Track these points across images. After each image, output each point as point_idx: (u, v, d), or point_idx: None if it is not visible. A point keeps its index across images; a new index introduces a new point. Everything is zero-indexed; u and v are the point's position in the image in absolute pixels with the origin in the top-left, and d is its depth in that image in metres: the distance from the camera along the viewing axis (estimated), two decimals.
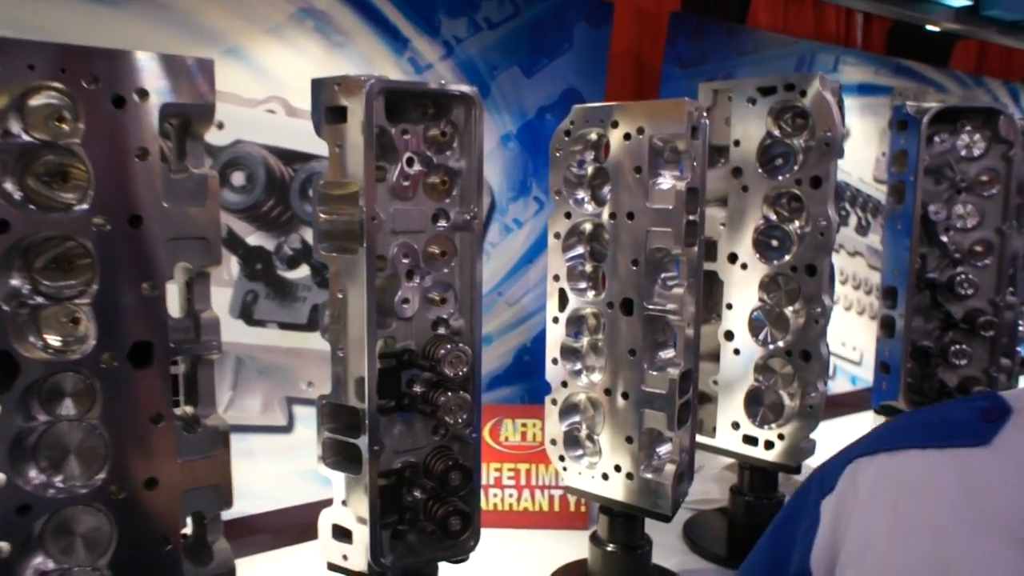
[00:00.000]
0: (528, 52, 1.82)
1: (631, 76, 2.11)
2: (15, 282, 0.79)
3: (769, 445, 1.51)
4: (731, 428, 1.56)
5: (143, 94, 0.83)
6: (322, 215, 1.01)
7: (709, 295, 1.60)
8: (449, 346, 1.02)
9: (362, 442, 1.00)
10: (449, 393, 1.02)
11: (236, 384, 1.50)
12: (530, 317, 1.92)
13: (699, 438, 1.62)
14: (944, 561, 0.57)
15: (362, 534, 1.03)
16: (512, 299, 1.88)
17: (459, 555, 1.09)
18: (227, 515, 1.50)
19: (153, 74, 0.83)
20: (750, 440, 1.54)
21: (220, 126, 1.46)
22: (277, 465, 1.54)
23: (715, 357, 1.58)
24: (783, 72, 2.28)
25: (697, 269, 1.26)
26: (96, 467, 0.83)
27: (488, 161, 1.80)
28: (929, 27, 2.57)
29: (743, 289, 1.53)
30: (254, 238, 1.51)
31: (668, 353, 1.28)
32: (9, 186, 0.79)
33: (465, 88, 1.04)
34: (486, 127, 1.81)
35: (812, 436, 1.49)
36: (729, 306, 1.55)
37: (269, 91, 1.50)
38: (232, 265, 1.50)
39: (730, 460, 1.75)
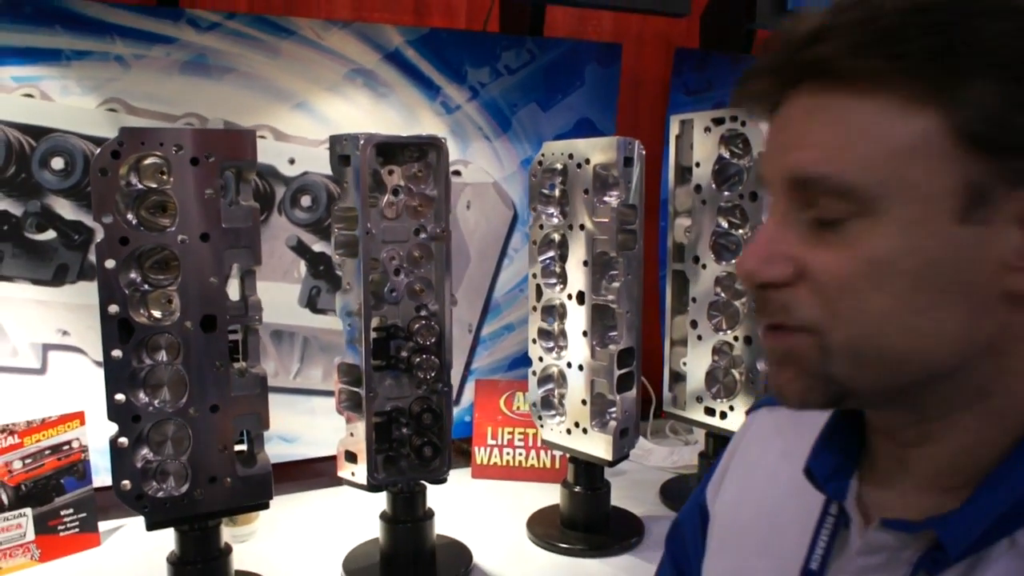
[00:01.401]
0: (544, 91, 2.19)
1: (640, 105, 2.44)
2: (133, 275, 1.26)
3: (723, 415, 1.81)
4: (696, 402, 1.87)
5: (209, 155, 1.28)
6: (336, 230, 1.44)
7: (682, 291, 1.91)
8: (423, 322, 1.43)
9: (362, 390, 1.42)
10: (423, 356, 1.42)
11: (303, 358, 1.97)
12: None
13: (674, 410, 1.95)
14: (764, 497, 0.70)
15: (363, 457, 1.44)
16: None
17: (436, 478, 1.49)
18: (295, 457, 1.97)
19: (215, 142, 1.28)
20: (710, 411, 1.84)
21: (292, 161, 1.93)
22: (333, 421, 1.98)
23: (684, 342, 1.90)
24: None
25: (636, 268, 1.59)
26: (180, 395, 1.29)
27: (510, 181, 2.19)
28: None
29: (703, 285, 1.83)
30: (318, 246, 1.97)
31: (613, 334, 1.62)
32: (130, 216, 1.26)
33: (435, 137, 1.44)
34: (507, 152, 2.21)
35: None
36: (693, 299, 1.86)
37: (329, 134, 1.95)
38: (301, 267, 1.97)
39: None
